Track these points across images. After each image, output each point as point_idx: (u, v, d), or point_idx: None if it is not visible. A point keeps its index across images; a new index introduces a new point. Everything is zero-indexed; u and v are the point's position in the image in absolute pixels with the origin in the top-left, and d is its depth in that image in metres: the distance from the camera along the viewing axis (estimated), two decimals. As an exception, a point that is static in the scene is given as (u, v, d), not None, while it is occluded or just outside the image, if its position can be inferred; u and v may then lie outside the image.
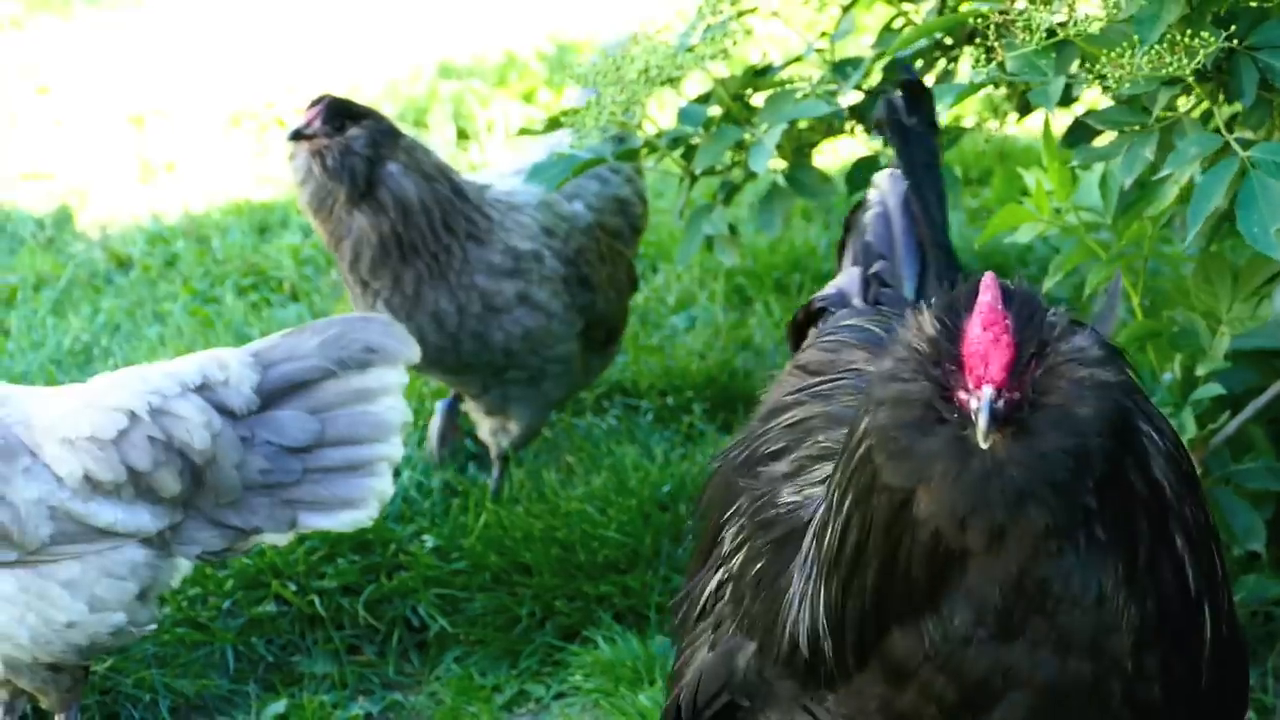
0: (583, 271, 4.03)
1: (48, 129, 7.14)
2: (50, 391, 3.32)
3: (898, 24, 3.47)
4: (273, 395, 3.23)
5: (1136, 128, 2.82)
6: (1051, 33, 2.73)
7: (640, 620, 3.67)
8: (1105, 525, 1.86)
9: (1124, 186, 2.84)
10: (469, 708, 3.50)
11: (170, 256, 5.70)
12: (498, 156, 6.32)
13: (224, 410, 3.19)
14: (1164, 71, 2.62)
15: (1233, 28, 2.70)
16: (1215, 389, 2.93)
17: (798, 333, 2.71)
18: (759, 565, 2.18)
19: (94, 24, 8.66)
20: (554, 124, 3.42)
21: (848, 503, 1.97)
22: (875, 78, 3.34)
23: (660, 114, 5.14)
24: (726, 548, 2.28)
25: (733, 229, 3.35)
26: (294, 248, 5.56)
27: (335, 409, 3.25)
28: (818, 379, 2.36)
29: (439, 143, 6.47)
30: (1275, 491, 3.15)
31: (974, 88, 2.93)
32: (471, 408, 4.11)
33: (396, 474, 3.31)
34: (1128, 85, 2.68)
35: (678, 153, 3.32)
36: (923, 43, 3.18)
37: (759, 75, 3.33)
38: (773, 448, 2.29)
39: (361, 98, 6.88)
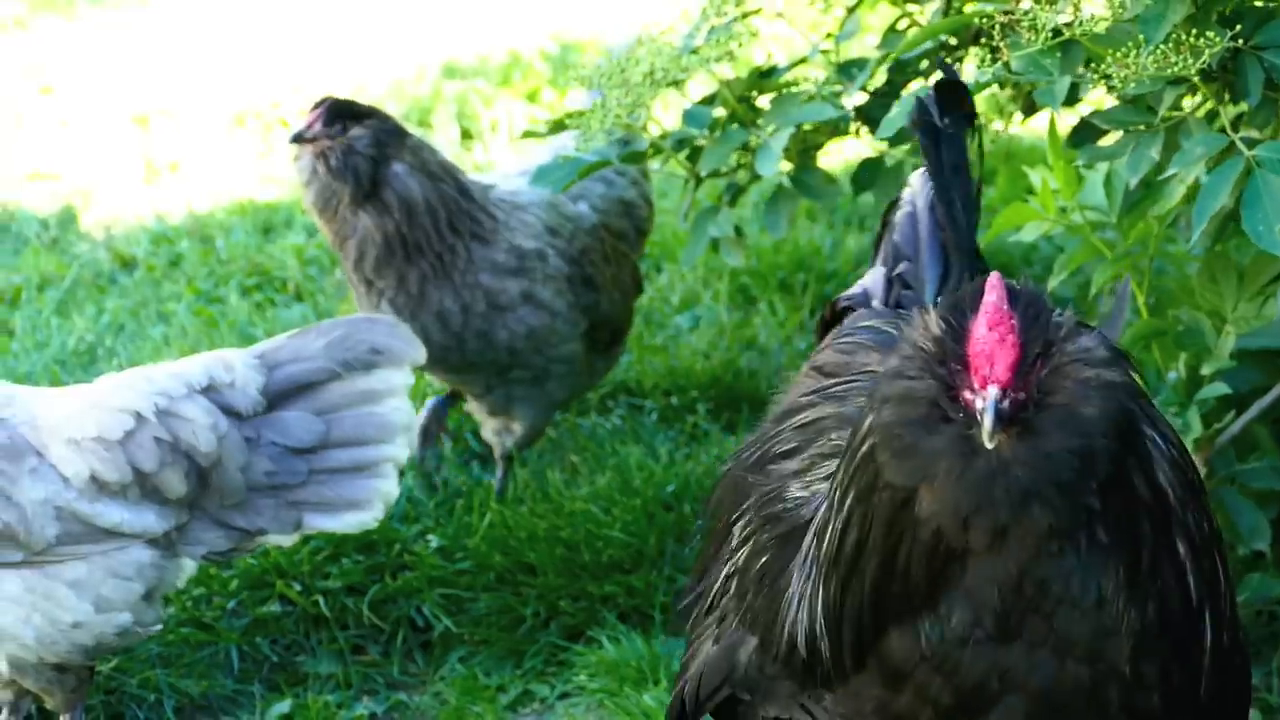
0: (587, 271, 4.03)
1: (52, 129, 7.14)
2: (56, 392, 3.32)
3: (902, 25, 3.47)
4: (278, 396, 3.24)
5: (1142, 127, 2.82)
6: (1057, 32, 2.73)
7: (645, 620, 3.67)
8: (1107, 527, 1.86)
9: (1129, 186, 2.84)
10: (474, 708, 3.50)
11: (175, 256, 5.70)
12: (502, 157, 6.32)
13: (230, 411, 3.19)
14: (1169, 71, 2.62)
15: (1238, 27, 2.70)
16: (1221, 388, 2.92)
17: (825, 330, 2.70)
18: (763, 560, 2.19)
19: (98, 24, 8.66)
20: (559, 126, 3.42)
21: (849, 501, 1.96)
22: (880, 79, 3.34)
23: (664, 114, 5.14)
24: (734, 541, 2.28)
25: (738, 230, 3.35)
26: (298, 248, 5.57)
27: (341, 410, 3.25)
28: (832, 380, 2.36)
29: (443, 142, 6.47)
30: (1280, 491, 3.15)
31: (979, 88, 2.92)
32: (475, 408, 4.10)
33: (401, 474, 3.31)
34: (1133, 85, 2.68)
35: (683, 154, 3.32)
36: (928, 44, 3.18)
37: (764, 77, 3.32)
38: (785, 447, 2.29)
39: (366, 97, 6.87)
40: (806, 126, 3.25)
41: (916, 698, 1.96)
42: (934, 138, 2.46)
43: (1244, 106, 2.82)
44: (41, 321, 5.18)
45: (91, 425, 3.11)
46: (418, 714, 3.57)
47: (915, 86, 3.31)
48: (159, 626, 3.22)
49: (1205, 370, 2.97)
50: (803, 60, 3.39)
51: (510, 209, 3.96)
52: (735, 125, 3.22)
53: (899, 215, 2.60)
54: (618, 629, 3.62)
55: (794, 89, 3.27)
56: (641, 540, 3.79)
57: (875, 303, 2.60)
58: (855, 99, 3.32)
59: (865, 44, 4.68)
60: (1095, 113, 2.96)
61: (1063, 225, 2.93)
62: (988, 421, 1.79)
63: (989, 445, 1.80)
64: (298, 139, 3.85)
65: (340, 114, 3.82)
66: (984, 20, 2.82)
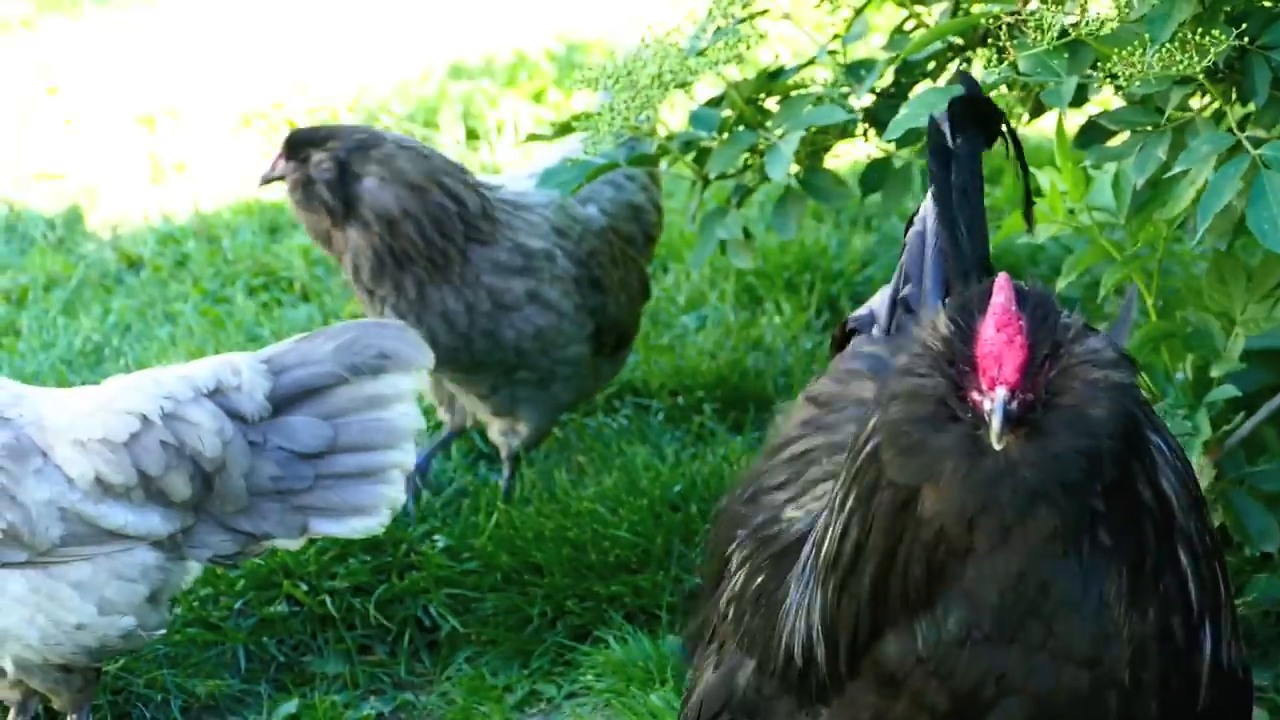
0: (594, 273, 4.03)
1: (58, 129, 7.14)
2: (63, 393, 3.33)
3: (908, 26, 3.46)
4: (285, 401, 3.23)
5: (1149, 128, 2.82)
6: (1064, 33, 2.72)
7: (652, 620, 3.67)
8: (1111, 531, 1.85)
9: (1136, 186, 2.83)
10: (480, 708, 3.50)
11: (181, 257, 5.70)
12: (508, 157, 6.32)
13: (236, 415, 3.19)
14: (1174, 70, 2.61)
15: (1244, 26, 2.69)
16: (1230, 390, 2.92)
17: (836, 349, 2.68)
18: (759, 580, 2.18)
19: (104, 24, 8.66)
20: (565, 128, 3.41)
21: (850, 500, 1.96)
22: (887, 80, 3.33)
23: (670, 115, 5.13)
24: (732, 568, 2.27)
25: (746, 233, 3.34)
26: (305, 248, 5.56)
27: (348, 415, 3.24)
28: (824, 410, 2.35)
29: (449, 143, 6.47)
30: (1289, 493, 3.14)
31: (985, 88, 2.92)
32: (481, 408, 4.10)
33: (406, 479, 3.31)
34: (1139, 84, 2.67)
35: (690, 156, 3.31)
36: (936, 45, 3.17)
37: (772, 78, 3.32)
38: (776, 480, 2.28)
39: (372, 98, 6.91)
40: (814, 128, 3.24)
41: (912, 704, 1.94)
42: (943, 159, 2.42)
43: (1251, 107, 2.82)
44: (48, 321, 5.18)
45: (97, 427, 3.11)
46: (424, 714, 3.57)
47: (922, 88, 3.30)
48: (163, 630, 3.22)
49: (1215, 373, 2.96)
50: (810, 62, 3.38)
51: (513, 209, 3.96)
52: (743, 127, 3.21)
53: (910, 233, 2.56)
54: (624, 629, 3.61)
55: (802, 91, 3.26)
56: (648, 540, 3.79)
57: (878, 326, 2.56)
58: (862, 100, 3.31)
59: (870, 44, 4.67)
60: (1102, 113, 2.96)
61: (1072, 227, 2.93)
62: (996, 423, 1.79)
63: (997, 446, 1.80)
64: (266, 181, 3.90)
65: (300, 144, 3.84)
66: (991, 21, 2.82)
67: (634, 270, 4.22)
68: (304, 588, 3.75)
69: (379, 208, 3.79)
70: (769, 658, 2.11)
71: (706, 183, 3.31)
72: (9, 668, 3.17)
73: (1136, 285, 2.73)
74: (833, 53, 3.26)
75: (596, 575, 3.73)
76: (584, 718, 3.48)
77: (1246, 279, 2.97)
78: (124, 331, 5.11)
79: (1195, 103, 2.87)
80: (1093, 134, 3.07)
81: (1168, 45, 2.63)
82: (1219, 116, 2.84)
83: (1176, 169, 2.73)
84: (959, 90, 2.50)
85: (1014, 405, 1.79)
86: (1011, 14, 2.83)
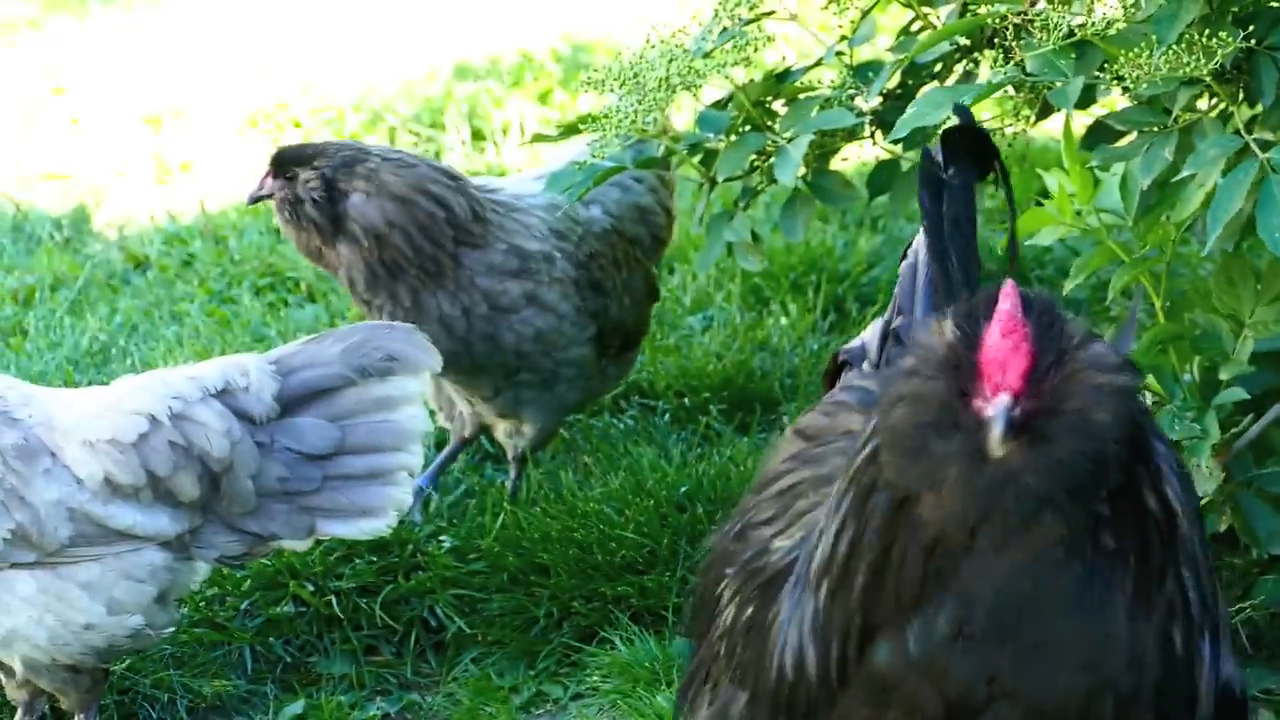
0: (595, 276, 4.03)
1: (64, 129, 7.15)
2: (72, 393, 3.33)
3: (915, 27, 3.45)
4: (293, 402, 3.24)
5: (1156, 128, 2.81)
6: (1071, 33, 2.72)
7: (658, 621, 3.67)
8: (1115, 535, 1.84)
9: (1143, 187, 2.83)
10: (486, 708, 3.50)
11: (187, 257, 5.71)
12: (514, 158, 6.32)
13: (244, 416, 3.19)
14: (1182, 71, 2.61)
15: (1251, 28, 2.69)
16: (1239, 393, 2.91)
17: (830, 382, 2.67)
18: (749, 611, 2.15)
19: (110, 24, 8.68)
20: (571, 130, 3.40)
21: (847, 503, 1.94)
22: (894, 81, 3.33)
23: (676, 116, 5.13)
24: (723, 604, 2.25)
25: (754, 235, 3.34)
26: (310, 248, 5.57)
27: (356, 417, 3.25)
28: (812, 443, 2.33)
29: (454, 144, 6.48)
30: (1297, 495, 3.14)
31: (992, 88, 2.92)
32: (485, 410, 4.11)
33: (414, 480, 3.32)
34: (1145, 84, 2.67)
35: (697, 158, 3.31)
36: (944, 46, 3.17)
37: (779, 80, 3.31)
38: (764, 516, 2.25)
39: (377, 98, 6.91)
40: (822, 131, 3.23)
41: (904, 712, 1.92)
42: (935, 190, 2.40)
43: (1259, 108, 2.82)
44: (55, 321, 5.19)
45: (106, 427, 3.11)
46: (431, 714, 3.57)
47: (929, 89, 3.29)
48: (172, 629, 3.23)
49: (1223, 375, 2.96)
50: (818, 63, 3.37)
51: (509, 211, 3.95)
52: (750, 129, 3.21)
53: (903, 266, 2.54)
54: (631, 630, 3.61)
55: (810, 94, 3.26)
56: (655, 541, 3.79)
57: (868, 360, 2.55)
58: (871, 102, 3.30)
59: (877, 45, 4.66)
60: (1110, 114, 2.95)
61: (1079, 229, 2.92)
62: (998, 429, 1.77)
63: (997, 454, 1.78)
64: (254, 200, 3.92)
65: (287, 162, 3.85)
66: (998, 21, 2.81)
67: (638, 272, 4.21)
68: (310, 588, 3.75)
69: (366, 223, 3.80)
70: (760, 684, 2.08)
71: (713, 184, 3.30)
72: (18, 668, 3.17)
73: (1139, 298, 2.73)
74: (840, 54, 3.25)
75: (603, 576, 3.73)
76: (590, 719, 3.48)
77: (1255, 281, 2.96)
78: (130, 331, 5.11)
79: (1202, 104, 2.87)
80: (1100, 135, 3.07)
81: (1174, 46, 2.62)
82: (1226, 118, 2.83)
83: (1185, 173, 2.73)
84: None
85: (1016, 412, 1.78)
86: (1018, 14, 2.83)
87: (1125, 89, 2.74)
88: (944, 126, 2.51)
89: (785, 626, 2.03)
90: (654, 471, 4.01)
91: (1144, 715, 1.89)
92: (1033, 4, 2.83)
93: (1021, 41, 2.82)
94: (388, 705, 3.58)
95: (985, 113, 4.11)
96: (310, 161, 3.83)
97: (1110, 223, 2.93)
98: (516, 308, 3.90)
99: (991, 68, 2.85)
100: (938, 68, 3.37)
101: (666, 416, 4.45)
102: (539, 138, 3.79)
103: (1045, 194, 3.01)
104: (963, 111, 2.57)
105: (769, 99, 3.29)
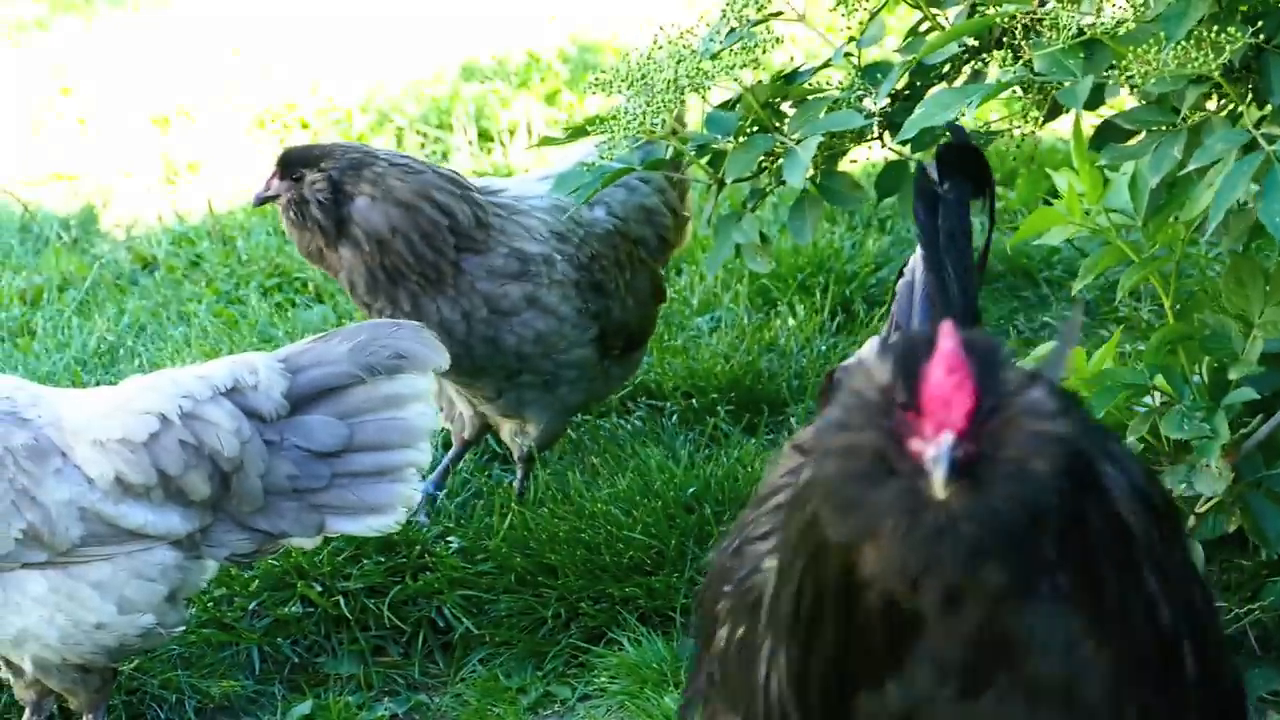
0: (596, 277, 4.02)
1: (72, 130, 7.17)
2: (81, 393, 3.34)
3: (923, 28, 3.45)
4: (302, 400, 3.24)
5: (1165, 127, 2.81)
6: (1080, 32, 2.71)
7: (666, 622, 3.67)
8: (1068, 572, 1.79)
9: (1152, 186, 2.83)
10: (494, 709, 3.51)
11: (195, 257, 5.71)
12: (521, 159, 6.32)
13: (254, 415, 3.20)
14: (1189, 69, 2.61)
15: (1259, 25, 2.68)
16: (1248, 393, 2.91)
17: (825, 400, 2.66)
18: (740, 632, 2.12)
19: (118, 25, 8.69)
20: (579, 132, 3.40)
21: (799, 565, 1.89)
22: (902, 82, 3.32)
23: (688, 116, 5.13)
24: (719, 624, 2.23)
25: (763, 236, 3.33)
26: (318, 249, 5.57)
27: (364, 414, 3.25)
28: (809, 458, 2.32)
29: (461, 144, 6.48)
30: (1307, 496, 3.13)
31: (1000, 87, 2.91)
32: (489, 410, 4.11)
33: (423, 478, 3.32)
34: (1153, 81, 2.67)
35: (705, 160, 3.31)
36: (952, 47, 3.16)
37: (788, 81, 3.31)
38: (760, 531, 2.22)
39: (384, 98, 6.92)
40: (830, 132, 3.22)
41: None
42: (931, 204, 2.38)
43: (1268, 107, 2.81)
44: (63, 322, 5.20)
45: (117, 427, 3.12)
46: (439, 715, 3.57)
47: (937, 90, 3.29)
48: (182, 627, 3.23)
49: (1232, 375, 2.95)
50: (826, 64, 3.37)
51: (510, 214, 3.95)
52: (759, 130, 3.20)
53: (900, 283, 2.53)
54: (639, 631, 3.61)
55: (818, 95, 3.25)
56: (662, 542, 3.79)
57: None
58: (879, 103, 3.29)
59: (885, 46, 4.66)
60: (1119, 113, 2.95)
61: (1088, 229, 2.91)
62: (941, 471, 1.70)
63: (940, 496, 1.71)
64: (260, 201, 3.91)
65: (294, 163, 3.85)
66: (1007, 21, 2.81)
67: (643, 273, 4.20)
68: (318, 588, 3.75)
69: (369, 227, 3.80)
70: (751, 710, 2.05)
71: (721, 186, 3.30)
72: (27, 667, 3.18)
73: (1079, 312, 2.71)
74: (848, 55, 3.25)
75: (611, 577, 3.73)
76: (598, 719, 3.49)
77: (1264, 281, 2.96)
78: (138, 332, 5.12)
79: (1211, 104, 2.86)
80: (1109, 134, 3.06)
81: (1183, 44, 2.62)
82: (1235, 118, 2.83)
83: (1191, 167, 2.72)
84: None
85: (959, 453, 1.71)
86: (1027, 14, 2.82)
87: (1134, 87, 2.73)
88: (939, 142, 2.52)
89: (764, 667, 2.00)
90: (661, 472, 4.01)
91: None
92: (1041, 3, 2.83)
93: (1030, 41, 2.82)
94: (395, 706, 3.59)
95: (994, 113, 4.11)
96: (317, 163, 3.84)
97: (1119, 222, 2.92)
98: (517, 310, 3.90)
99: (1000, 67, 2.84)
100: (946, 68, 3.36)
101: (674, 417, 4.45)
102: (546, 140, 3.78)
103: (1054, 194, 3.00)
104: (955, 129, 2.57)
105: (777, 100, 3.29)
